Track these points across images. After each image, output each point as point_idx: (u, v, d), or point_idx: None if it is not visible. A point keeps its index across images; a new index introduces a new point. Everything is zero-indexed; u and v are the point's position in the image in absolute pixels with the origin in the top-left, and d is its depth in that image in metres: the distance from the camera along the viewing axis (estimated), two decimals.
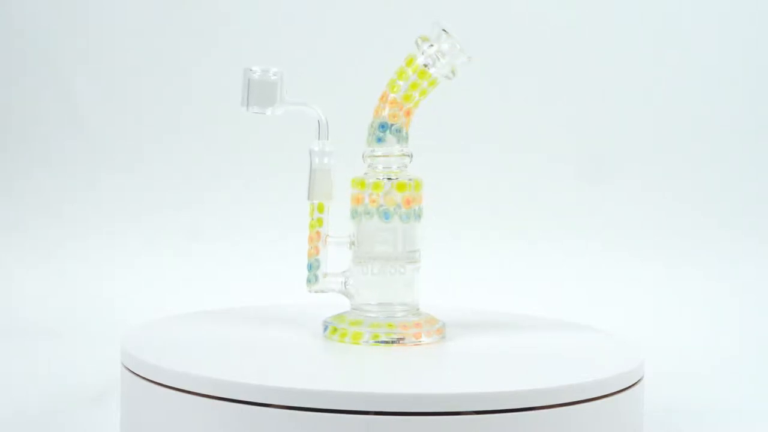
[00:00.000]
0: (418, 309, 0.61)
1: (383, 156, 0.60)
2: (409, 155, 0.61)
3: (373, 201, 0.60)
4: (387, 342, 0.58)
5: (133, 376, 0.54)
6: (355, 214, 0.61)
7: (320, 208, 0.61)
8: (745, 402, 0.73)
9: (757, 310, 1.00)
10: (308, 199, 0.61)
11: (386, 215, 0.60)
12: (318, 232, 0.61)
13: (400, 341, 0.58)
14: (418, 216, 0.61)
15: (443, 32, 0.60)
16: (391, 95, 0.60)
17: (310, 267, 0.61)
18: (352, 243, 0.61)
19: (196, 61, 1.16)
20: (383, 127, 0.60)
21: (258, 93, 0.61)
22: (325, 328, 0.60)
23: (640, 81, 1.12)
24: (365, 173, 0.61)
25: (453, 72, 0.60)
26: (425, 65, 0.60)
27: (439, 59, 0.59)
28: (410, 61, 0.60)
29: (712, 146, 1.11)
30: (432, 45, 0.59)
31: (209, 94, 1.14)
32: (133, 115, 1.16)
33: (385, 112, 0.60)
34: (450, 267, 1.01)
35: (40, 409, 0.66)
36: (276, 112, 0.61)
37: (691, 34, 1.13)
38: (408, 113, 0.60)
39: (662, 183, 1.11)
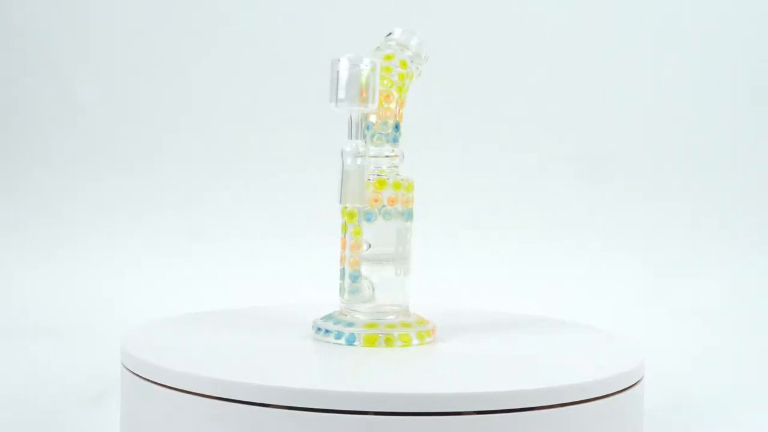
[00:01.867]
0: (408, 309, 0.61)
1: (384, 156, 0.60)
2: (401, 155, 0.60)
3: (407, 201, 0.59)
4: (387, 344, 0.58)
5: (133, 376, 0.54)
6: (388, 215, 0.59)
7: (354, 216, 0.59)
8: (745, 402, 0.73)
9: (757, 310, 1.00)
10: (339, 202, 0.58)
11: (408, 215, 0.60)
12: (359, 241, 0.58)
13: (398, 342, 0.58)
14: None
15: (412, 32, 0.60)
16: (398, 95, 0.60)
17: (354, 278, 0.59)
18: (369, 245, 0.59)
19: (196, 61, 1.16)
20: (397, 127, 0.60)
21: (348, 88, 0.57)
22: (337, 335, 0.60)
23: (639, 81, 1.12)
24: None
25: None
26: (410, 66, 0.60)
27: (420, 58, 0.60)
28: (403, 63, 0.60)
29: (713, 147, 1.11)
30: (417, 45, 0.60)
31: (209, 94, 1.15)
32: (133, 115, 1.16)
33: (397, 112, 0.60)
34: (449, 267, 1.02)
35: (40, 410, 0.66)
36: (368, 109, 0.58)
37: (691, 35, 1.13)
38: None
39: (662, 183, 1.11)
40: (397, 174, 0.60)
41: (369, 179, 0.59)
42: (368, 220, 0.59)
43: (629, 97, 1.12)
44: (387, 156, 0.59)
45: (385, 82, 0.59)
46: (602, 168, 1.11)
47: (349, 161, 0.57)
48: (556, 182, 1.10)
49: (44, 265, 1.08)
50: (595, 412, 0.51)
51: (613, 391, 0.52)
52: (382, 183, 0.59)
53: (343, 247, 0.59)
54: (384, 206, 0.59)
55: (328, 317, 0.60)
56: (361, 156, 0.58)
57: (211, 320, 0.65)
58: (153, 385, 0.52)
